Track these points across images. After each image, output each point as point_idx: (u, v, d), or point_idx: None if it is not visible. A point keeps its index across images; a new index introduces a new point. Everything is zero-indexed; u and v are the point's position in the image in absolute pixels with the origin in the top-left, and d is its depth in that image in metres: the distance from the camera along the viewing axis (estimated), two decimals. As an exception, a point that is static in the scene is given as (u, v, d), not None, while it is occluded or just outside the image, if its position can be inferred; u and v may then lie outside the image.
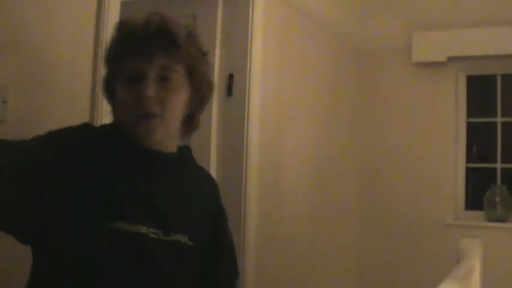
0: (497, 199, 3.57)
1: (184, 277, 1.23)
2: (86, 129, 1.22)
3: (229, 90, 2.58)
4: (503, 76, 3.72)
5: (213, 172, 2.48)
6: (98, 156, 1.14)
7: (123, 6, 1.95)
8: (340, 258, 3.63)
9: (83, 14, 1.81)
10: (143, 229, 1.13)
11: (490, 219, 3.56)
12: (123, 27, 1.22)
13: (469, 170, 3.74)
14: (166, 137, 1.22)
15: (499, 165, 3.68)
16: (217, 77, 2.53)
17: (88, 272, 1.08)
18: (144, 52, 1.17)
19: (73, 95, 1.78)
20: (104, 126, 1.30)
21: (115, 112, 1.25)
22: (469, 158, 3.74)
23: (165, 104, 1.17)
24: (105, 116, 1.83)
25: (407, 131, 3.81)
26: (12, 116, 1.57)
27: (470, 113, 3.75)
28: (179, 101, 1.21)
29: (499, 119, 3.71)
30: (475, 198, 3.71)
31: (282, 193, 2.93)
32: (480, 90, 3.87)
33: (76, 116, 1.78)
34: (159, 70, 1.17)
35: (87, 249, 1.08)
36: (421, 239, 3.65)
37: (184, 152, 1.34)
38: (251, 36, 2.59)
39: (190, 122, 1.28)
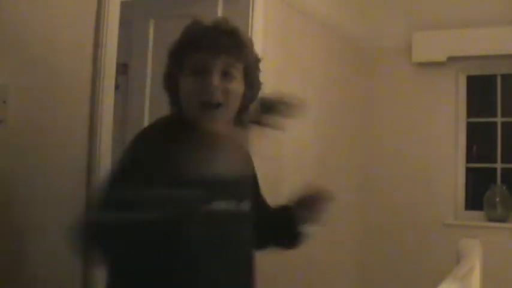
0: (497, 199, 3.57)
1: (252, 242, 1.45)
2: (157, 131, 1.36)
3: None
4: (503, 76, 3.72)
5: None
6: (176, 151, 1.28)
7: (123, 6, 1.95)
8: (341, 258, 3.63)
9: (83, 14, 1.81)
10: (225, 204, 1.33)
11: (490, 219, 3.56)
12: (195, 25, 1.39)
13: (469, 170, 3.75)
14: (225, 122, 1.37)
15: (499, 165, 3.68)
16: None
17: (186, 253, 1.25)
18: (213, 48, 1.33)
19: (73, 95, 1.78)
20: (165, 119, 1.40)
21: (175, 102, 1.38)
22: (469, 158, 3.74)
23: (228, 94, 1.33)
24: (105, 116, 1.84)
25: (408, 131, 3.81)
26: (12, 116, 1.57)
27: (470, 113, 3.76)
28: (238, 93, 1.37)
29: (499, 119, 3.72)
30: (475, 198, 3.72)
31: (282, 193, 2.92)
32: (480, 90, 3.87)
33: (76, 116, 1.78)
34: (223, 66, 1.33)
35: (184, 233, 1.23)
36: (421, 239, 3.66)
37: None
38: (251, 36, 2.58)
39: (240, 117, 1.43)
